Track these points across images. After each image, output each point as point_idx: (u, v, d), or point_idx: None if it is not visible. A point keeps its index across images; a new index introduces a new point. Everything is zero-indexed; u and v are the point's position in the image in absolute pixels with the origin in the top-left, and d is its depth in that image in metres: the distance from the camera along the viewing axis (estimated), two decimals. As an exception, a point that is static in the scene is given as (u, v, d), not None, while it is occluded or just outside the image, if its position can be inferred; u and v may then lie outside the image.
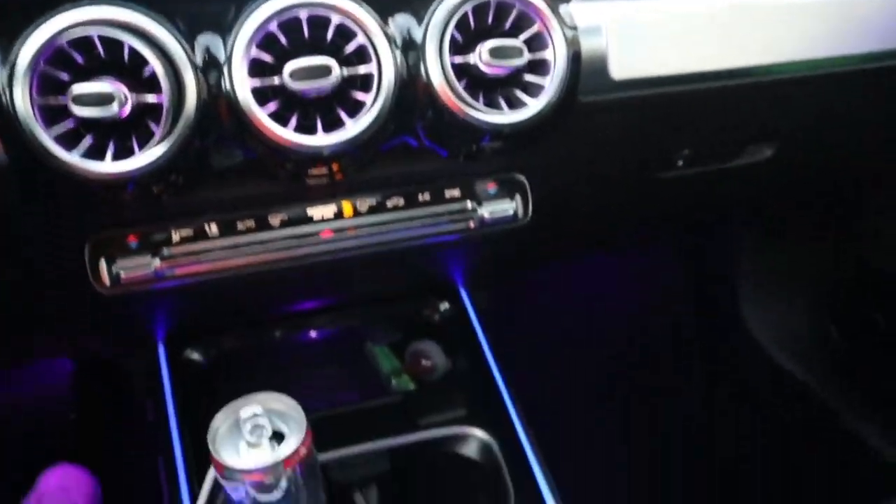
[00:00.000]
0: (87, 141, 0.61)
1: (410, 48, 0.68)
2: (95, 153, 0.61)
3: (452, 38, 0.67)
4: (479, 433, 0.83)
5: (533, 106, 0.70)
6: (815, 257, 1.44)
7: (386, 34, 0.65)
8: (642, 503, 1.37)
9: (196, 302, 0.85)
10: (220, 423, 0.68)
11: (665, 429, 1.50)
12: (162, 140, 0.61)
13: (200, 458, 0.73)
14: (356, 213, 0.75)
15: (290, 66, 0.62)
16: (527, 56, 0.68)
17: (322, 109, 0.65)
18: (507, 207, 0.80)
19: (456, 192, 0.78)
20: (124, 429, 1.34)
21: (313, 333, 0.95)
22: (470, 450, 0.83)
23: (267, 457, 0.65)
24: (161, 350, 0.90)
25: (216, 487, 0.73)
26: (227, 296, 0.85)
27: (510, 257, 0.94)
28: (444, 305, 0.97)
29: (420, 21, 0.68)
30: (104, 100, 0.58)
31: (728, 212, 1.15)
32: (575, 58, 0.72)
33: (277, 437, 0.67)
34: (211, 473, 0.72)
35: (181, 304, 0.85)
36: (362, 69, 0.65)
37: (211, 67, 0.64)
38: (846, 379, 1.40)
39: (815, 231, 1.42)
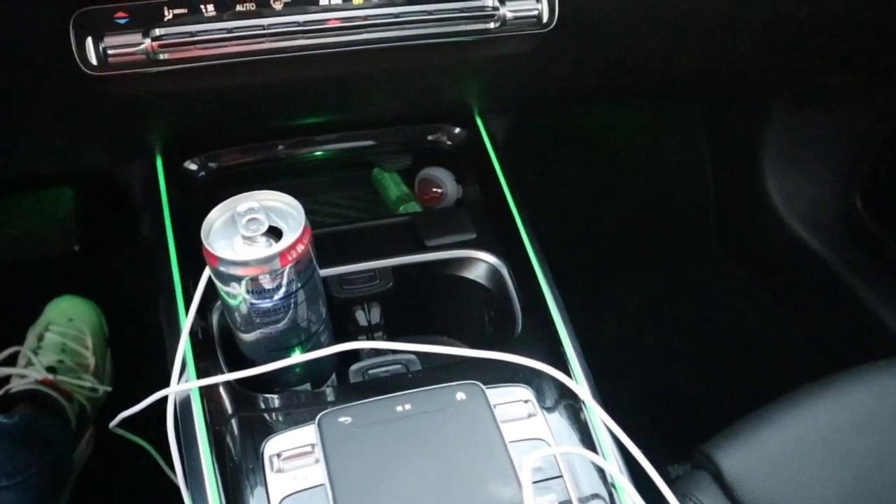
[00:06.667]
0: None
1: None
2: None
3: None
4: (488, 257, 0.80)
5: None
6: (846, 126, 1.37)
7: None
8: (645, 355, 1.37)
9: (194, 106, 0.80)
10: (216, 217, 0.64)
11: (675, 291, 1.48)
12: None
13: (196, 268, 0.69)
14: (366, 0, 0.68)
15: None
16: None
17: None
18: (531, 7, 0.73)
19: (477, -12, 0.71)
20: (128, 259, 1.33)
21: (319, 153, 0.90)
22: (478, 273, 0.80)
23: (263, 251, 0.61)
24: (159, 162, 0.86)
25: (213, 296, 0.71)
26: (226, 102, 0.80)
27: (529, 79, 0.87)
28: (458, 131, 0.91)
29: None
30: None
31: (761, 67, 1.07)
32: None
33: (276, 235, 0.63)
34: (205, 275, 0.69)
35: (178, 108, 0.80)
36: None
37: None
38: (868, 255, 1.35)
39: (850, 98, 1.34)
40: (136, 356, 1.23)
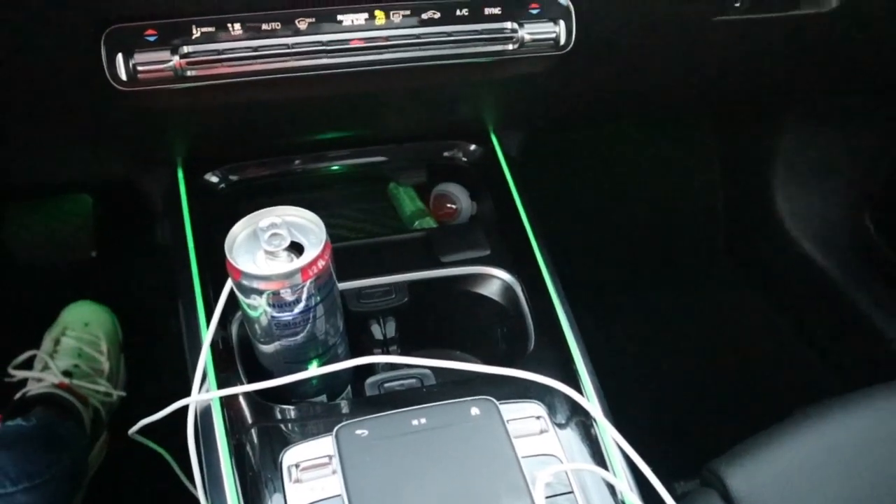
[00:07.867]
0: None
1: None
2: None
3: None
4: (502, 273, 0.81)
5: None
6: (858, 145, 1.38)
7: None
8: (654, 372, 1.37)
9: (218, 121, 0.82)
10: (239, 231, 0.66)
11: (684, 309, 1.49)
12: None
13: (217, 279, 0.71)
14: (388, 20, 0.70)
15: None
16: None
17: None
18: (549, 30, 0.74)
19: (496, 10, 0.73)
20: (143, 267, 1.35)
21: (336, 168, 0.92)
22: (492, 290, 0.81)
23: (284, 266, 0.63)
24: (180, 173, 0.88)
25: (232, 306, 0.72)
26: (249, 117, 0.82)
27: (545, 99, 0.89)
28: (473, 147, 0.93)
29: None
30: None
31: (775, 88, 1.08)
32: None
33: (297, 250, 0.65)
34: (227, 287, 0.71)
35: (202, 122, 0.82)
36: None
37: None
38: (878, 274, 1.36)
39: (861, 117, 1.35)
40: (150, 362, 1.24)
